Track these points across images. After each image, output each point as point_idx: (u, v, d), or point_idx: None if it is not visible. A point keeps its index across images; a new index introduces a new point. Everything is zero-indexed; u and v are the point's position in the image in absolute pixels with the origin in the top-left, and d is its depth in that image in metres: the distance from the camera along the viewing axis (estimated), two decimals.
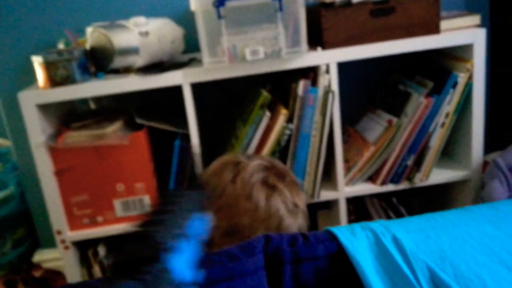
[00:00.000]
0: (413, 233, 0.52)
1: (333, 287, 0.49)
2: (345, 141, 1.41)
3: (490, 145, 1.62)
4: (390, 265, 0.48)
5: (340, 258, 0.49)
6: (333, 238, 0.52)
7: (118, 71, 1.25)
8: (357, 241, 0.50)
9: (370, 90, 1.52)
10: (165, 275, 0.35)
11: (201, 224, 0.45)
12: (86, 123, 1.27)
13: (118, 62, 1.17)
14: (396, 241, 0.50)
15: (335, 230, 0.53)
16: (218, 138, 1.49)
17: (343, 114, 1.37)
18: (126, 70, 1.23)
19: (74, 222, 1.28)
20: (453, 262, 0.48)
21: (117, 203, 1.27)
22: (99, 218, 1.28)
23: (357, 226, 0.53)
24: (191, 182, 0.54)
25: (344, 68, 1.47)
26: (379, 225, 0.53)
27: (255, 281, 0.47)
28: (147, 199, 1.27)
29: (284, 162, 1.25)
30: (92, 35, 1.20)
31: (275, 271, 0.49)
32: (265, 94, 1.19)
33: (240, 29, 1.12)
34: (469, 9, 1.50)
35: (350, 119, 1.46)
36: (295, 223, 0.68)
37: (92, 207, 1.27)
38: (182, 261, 0.38)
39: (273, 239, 0.51)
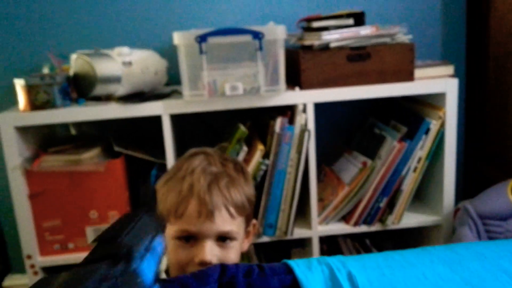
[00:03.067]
0: (369, 270, 0.53)
1: None
2: (321, 180, 1.43)
3: (465, 192, 1.65)
4: None
5: None
6: (289, 271, 0.52)
7: (99, 98, 1.26)
8: (312, 275, 0.51)
9: (348, 132, 1.55)
10: (136, 278, 0.36)
11: (160, 243, 0.46)
12: (63, 148, 1.27)
13: (100, 89, 1.19)
14: (351, 277, 0.51)
15: (291, 262, 0.53)
16: None
17: (321, 154, 1.39)
18: (108, 98, 1.25)
19: (45, 247, 1.26)
20: None
21: (89, 230, 1.26)
22: (71, 245, 1.26)
23: (314, 260, 0.54)
24: (148, 208, 0.56)
25: (324, 109, 1.50)
26: (336, 261, 0.54)
27: None
28: None
29: (259, 197, 1.26)
30: (76, 62, 1.22)
31: None
32: (242, 129, 1.21)
33: (221, 65, 1.15)
34: (445, 58, 1.56)
35: (328, 159, 1.49)
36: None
37: (64, 233, 1.26)
38: (150, 269, 0.39)
39: (228, 269, 0.51)
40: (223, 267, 0.52)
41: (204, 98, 1.16)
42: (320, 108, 1.46)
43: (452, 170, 1.28)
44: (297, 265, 0.53)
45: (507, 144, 1.43)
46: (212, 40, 1.13)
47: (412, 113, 1.34)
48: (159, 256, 0.43)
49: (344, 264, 0.53)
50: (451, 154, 1.27)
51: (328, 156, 1.49)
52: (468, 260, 0.56)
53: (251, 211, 0.92)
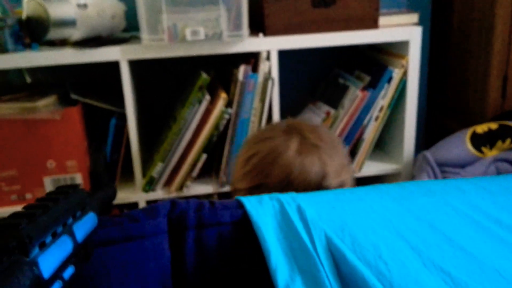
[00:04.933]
0: (318, 203, 0.53)
1: (236, 251, 0.49)
2: None
3: (426, 142, 1.68)
4: (290, 232, 0.48)
5: (244, 224, 0.50)
6: (241, 206, 0.52)
7: (54, 43, 1.21)
8: (262, 209, 0.51)
9: (314, 83, 1.54)
10: (27, 271, 0.34)
11: (84, 226, 0.44)
12: (17, 96, 1.22)
13: (54, 33, 1.13)
14: (300, 210, 0.51)
15: (243, 198, 0.53)
16: (157, 119, 1.47)
17: (286, 105, 1.39)
18: (63, 43, 1.20)
19: (1, 198, 1.23)
20: (352, 232, 0.50)
21: (47, 180, 1.23)
22: (28, 195, 1.24)
23: (266, 197, 0.54)
24: (97, 181, 0.54)
25: (289, 59, 1.49)
26: (287, 196, 0.54)
27: (155, 244, 0.47)
28: (79, 178, 1.23)
29: (222, 146, 1.25)
30: (28, 5, 1.15)
31: (178, 235, 0.49)
32: (204, 76, 1.18)
33: (181, 9, 1.11)
34: (411, 7, 1.55)
35: (293, 110, 1.48)
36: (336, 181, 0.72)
37: (21, 183, 1.22)
38: (51, 261, 0.37)
39: (179, 205, 0.51)
40: (173, 202, 0.51)
41: (164, 43, 1.12)
42: (285, 58, 1.44)
43: (413, 119, 1.30)
44: (248, 200, 0.53)
45: (467, 96, 1.46)
46: None
47: (376, 62, 1.34)
48: (76, 242, 0.41)
49: (295, 199, 0.53)
50: (413, 102, 1.28)
51: (293, 108, 1.49)
52: (416, 196, 0.57)
53: None
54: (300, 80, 1.56)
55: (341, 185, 0.73)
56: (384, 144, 1.44)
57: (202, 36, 1.12)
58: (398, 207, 0.55)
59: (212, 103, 1.23)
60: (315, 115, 1.36)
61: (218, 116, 1.21)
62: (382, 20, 1.24)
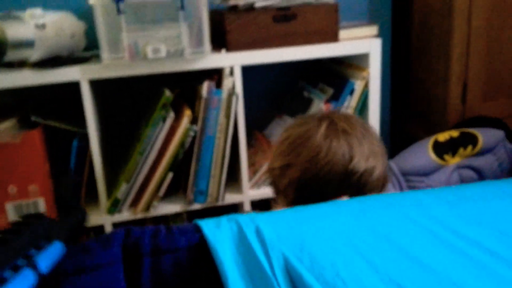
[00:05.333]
0: (277, 223, 0.53)
1: (194, 277, 0.48)
2: (252, 146, 1.43)
3: (392, 151, 1.71)
4: (248, 255, 0.48)
5: (202, 248, 0.49)
6: (198, 230, 0.51)
7: (12, 65, 1.18)
8: (219, 232, 0.50)
9: (278, 97, 1.55)
10: None
11: (50, 256, 0.43)
12: None
13: (12, 55, 1.11)
14: (258, 232, 0.51)
15: (200, 222, 0.53)
16: (121, 138, 1.45)
17: (252, 120, 1.39)
18: (21, 64, 1.17)
19: None
20: (311, 251, 0.50)
21: (9, 206, 1.19)
22: None
23: (224, 219, 0.54)
24: (63, 207, 0.53)
25: (253, 74, 1.49)
26: (245, 217, 0.54)
27: (109, 274, 0.46)
28: (42, 202, 1.20)
29: (188, 164, 1.24)
30: None
31: (134, 263, 0.48)
32: (167, 94, 1.18)
33: (142, 26, 1.10)
34: (372, 19, 1.58)
35: (259, 124, 1.49)
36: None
37: None
38: None
39: (134, 232, 0.50)
40: (127, 230, 0.50)
41: (125, 62, 1.11)
42: (249, 73, 1.45)
43: (375, 129, 1.32)
44: (206, 224, 0.52)
45: (430, 103, 1.49)
46: None
47: (338, 75, 1.36)
48: (40, 273, 0.40)
49: (253, 220, 0.53)
50: (375, 113, 1.30)
51: (259, 122, 1.49)
52: (375, 210, 0.58)
53: None
54: (265, 95, 1.57)
55: (370, 171, 0.78)
56: None
57: (163, 53, 1.11)
58: (357, 223, 0.55)
59: (177, 120, 1.22)
60: (281, 129, 1.37)
61: (183, 133, 1.20)
62: (343, 33, 1.26)
